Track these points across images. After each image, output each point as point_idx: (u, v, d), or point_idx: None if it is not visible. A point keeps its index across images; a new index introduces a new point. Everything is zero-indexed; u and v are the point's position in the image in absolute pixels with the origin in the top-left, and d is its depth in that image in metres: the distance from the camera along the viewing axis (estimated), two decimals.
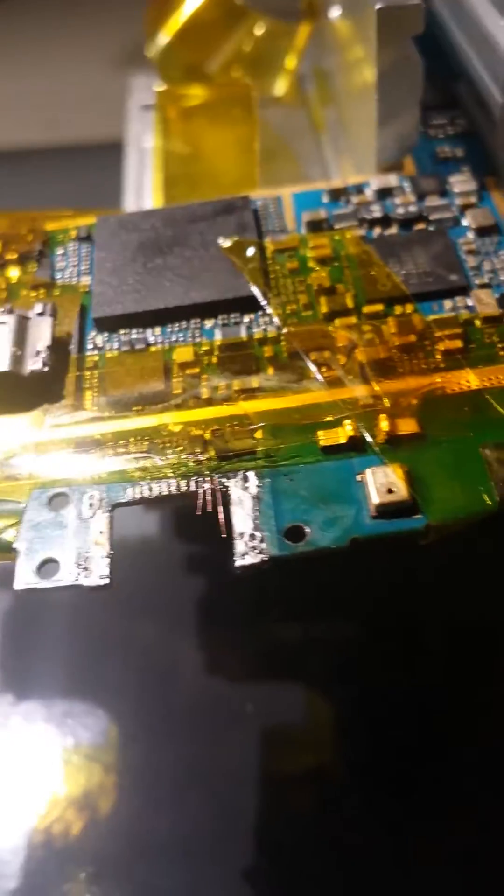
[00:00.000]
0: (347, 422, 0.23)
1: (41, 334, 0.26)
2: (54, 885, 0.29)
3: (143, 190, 0.40)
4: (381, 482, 0.21)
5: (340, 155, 0.38)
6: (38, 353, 0.25)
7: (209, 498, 0.22)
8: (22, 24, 0.69)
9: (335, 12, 0.35)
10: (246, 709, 0.32)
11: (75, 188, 0.54)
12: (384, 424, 0.22)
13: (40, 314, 0.26)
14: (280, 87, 0.41)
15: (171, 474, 0.23)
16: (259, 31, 0.40)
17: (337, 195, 0.29)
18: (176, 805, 0.31)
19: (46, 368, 0.25)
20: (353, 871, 0.29)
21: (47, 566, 0.22)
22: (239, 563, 0.21)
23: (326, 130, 0.40)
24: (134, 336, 0.27)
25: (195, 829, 0.30)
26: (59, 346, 0.26)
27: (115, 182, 0.45)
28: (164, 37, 0.41)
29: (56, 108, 0.62)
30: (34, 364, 0.25)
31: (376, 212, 0.29)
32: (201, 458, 0.23)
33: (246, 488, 0.22)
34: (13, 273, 0.29)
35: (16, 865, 0.30)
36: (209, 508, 0.22)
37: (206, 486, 0.22)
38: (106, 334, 0.27)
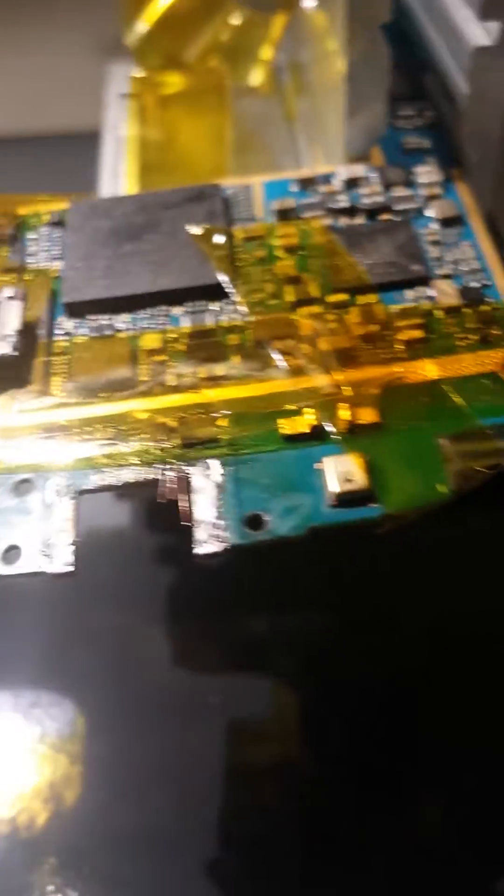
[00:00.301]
0: (308, 410, 0.23)
1: (10, 318, 0.26)
2: (19, 875, 0.29)
3: (119, 177, 0.40)
4: (340, 471, 0.22)
5: (312, 145, 0.38)
6: (6, 337, 0.25)
7: (172, 486, 0.22)
8: None
9: (309, 2, 0.35)
10: (210, 700, 0.32)
11: (50, 177, 0.53)
12: (344, 413, 0.23)
13: (10, 298, 0.26)
14: (255, 77, 0.41)
15: (137, 462, 0.23)
16: (236, 20, 0.40)
17: (305, 184, 0.30)
18: (141, 797, 0.31)
19: (16, 353, 0.25)
20: (319, 864, 0.29)
21: (10, 552, 0.22)
22: (199, 550, 0.21)
23: (299, 121, 0.40)
24: (103, 322, 0.26)
25: (161, 822, 0.30)
26: (28, 331, 0.26)
27: (91, 171, 0.45)
28: (142, 24, 0.40)
29: (30, 96, 0.61)
30: (3, 348, 0.25)
31: (343, 202, 0.29)
32: (166, 445, 0.23)
33: (208, 476, 0.22)
34: None
35: None
36: (172, 496, 0.22)
37: (170, 473, 0.23)
38: (75, 320, 0.27)
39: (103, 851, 0.30)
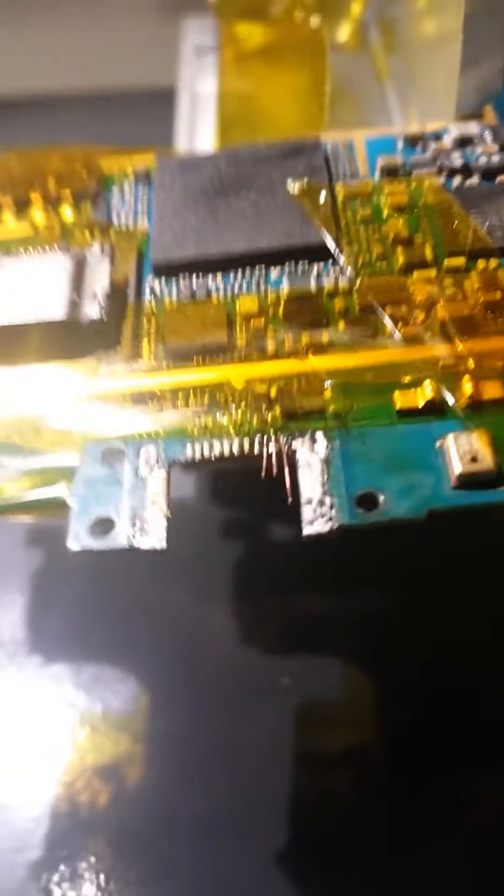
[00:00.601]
0: (427, 383, 0.21)
1: (98, 278, 0.24)
2: (78, 856, 0.28)
3: (196, 134, 0.39)
4: (465, 450, 0.20)
5: (406, 104, 0.36)
6: (95, 297, 0.23)
7: (275, 460, 0.21)
8: None
9: None
10: (282, 682, 0.31)
11: (117, 135, 0.52)
12: (467, 387, 0.21)
13: (98, 257, 0.24)
14: (343, 32, 0.40)
15: (233, 433, 0.21)
16: None
17: (413, 141, 0.28)
18: (204, 780, 0.30)
19: (104, 317, 0.23)
20: (385, 855, 0.28)
21: (101, 525, 0.20)
22: (307, 531, 0.20)
23: (391, 79, 0.38)
24: (194, 283, 0.25)
25: (224, 807, 0.29)
26: (115, 292, 0.24)
27: (158, 129, 0.43)
28: None
29: (96, 54, 0.60)
30: (91, 310, 0.23)
31: (456, 160, 0.27)
32: (266, 416, 0.21)
33: (314, 450, 0.21)
34: (67, 213, 0.27)
35: (39, 835, 0.29)
36: (274, 471, 0.20)
37: (272, 446, 0.21)
38: (164, 280, 0.25)
39: (164, 835, 0.29)
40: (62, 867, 0.28)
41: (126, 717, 0.31)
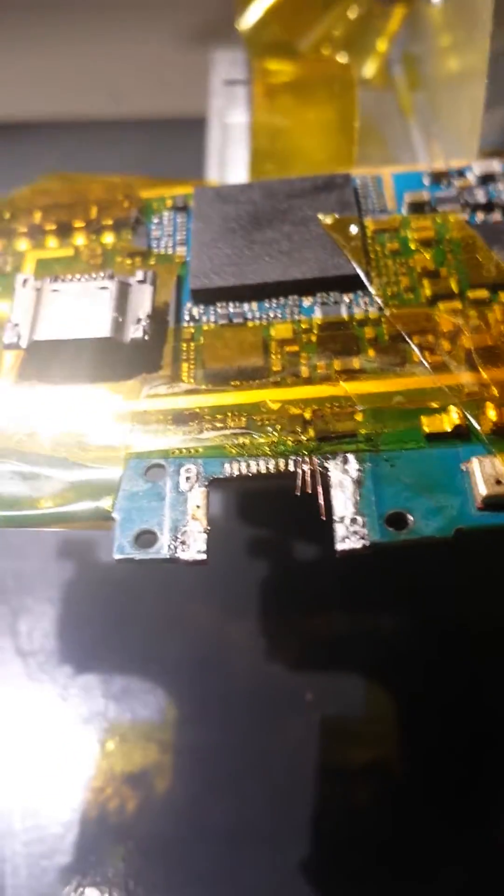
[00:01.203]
0: (453, 409, 0.22)
1: (141, 302, 0.25)
2: (106, 861, 0.29)
3: (227, 165, 0.40)
4: (489, 473, 0.21)
5: (430, 140, 0.37)
6: (138, 320, 0.25)
7: (308, 479, 0.22)
8: None
9: None
10: (307, 697, 0.32)
11: (145, 161, 0.53)
12: (492, 414, 0.22)
13: (141, 281, 0.26)
14: (370, 69, 0.41)
15: (269, 452, 0.22)
16: (353, 14, 0.40)
17: (438, 178, 0.29)
18: (231, 790, 0.31)
19: (146, 337, 0.25)
20: (406, 866, 0.29)
21: (144, 537, 0.21)
22: (340, 547, 0.21)
23: (415, 114, 0.39)
24: (231, 310, 0.26)
25: (250, 817, 0.30)
26: (157, 316, 0.26)
27: (186, 156, 0.45)
28: (257, 10, 0.40)
29: (125, 81, 0.61)
30: (135, 332, 0.25)
31: (480, 196, 0.28)
32: (301, 437, 0.22)
33: (346, 471, 0.22)
34: (108, 239, 0.29)
35: (69, 841, 0.30)
36: (308, 490, 0.22)
37: (306, 466, 0.22)
38: (202, 306, 0.26)
39: (191, 843, 0.30)
40: (91, 872, 0.29)
41: (154, 727, 0.32)
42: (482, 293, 0.25)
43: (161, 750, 0.32)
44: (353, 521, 0.21)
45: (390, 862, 0.29)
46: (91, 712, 0.32)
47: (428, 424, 0.22)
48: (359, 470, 0.22)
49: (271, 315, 0.26)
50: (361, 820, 0.30)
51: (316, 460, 0.22)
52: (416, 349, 0.24)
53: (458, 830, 0.29)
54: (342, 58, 0.40)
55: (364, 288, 0.26)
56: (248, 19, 0.41)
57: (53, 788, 0.31)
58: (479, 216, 0.28)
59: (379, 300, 0.25)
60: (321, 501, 0.21)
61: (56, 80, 0.59)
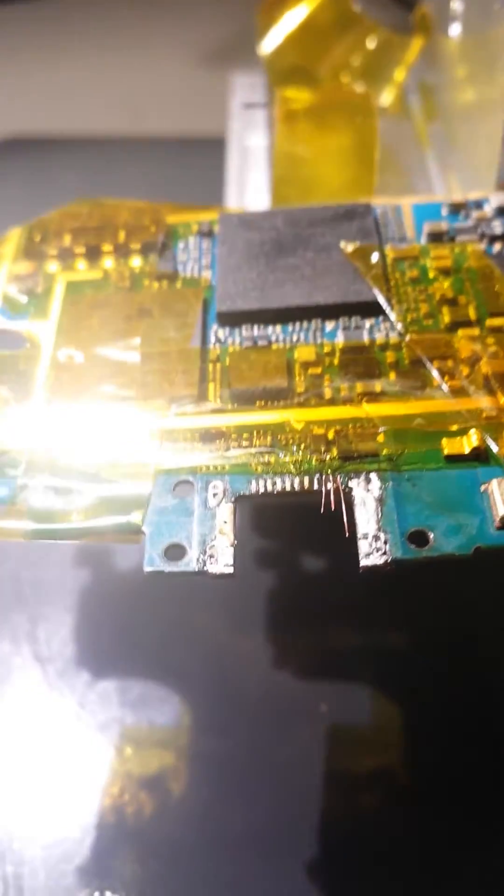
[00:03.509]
0: (472, 431, 0.23)
1: None
2: (124, 865, 0.30)
3: (245, 187, 0.41)
4: None
5: (446, 170, 0.38)
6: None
7: (332, 497, 0.23)
8: (114, 12, 0.70)
9: (454, 30, 0.35)
10: (321, 709, 0.33)
11: (165, 179, 0.55)
12: None
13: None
14: (387, 97, 0.42)
15: (294, 470, 0.23)
16: (372, 43, 0.41)
17: (457, 209, 0.30)
18: (246, 797, 0.31)
19: None
20: (415, 874, 0.29)
21: (173, 550, 0.22)
22: (364, 563, 0.22)
23: (432, 144, 0.40)
24: (256, 332, 0.27)
25: (262, 822, 0.31)
26: None
27: (204, 175, 0.46)
28: (277, 36, 0.41)
29: (147, 101, 0.62)
30: None
31: (497, 228, 0.29)
32: (324, 456, 0.23)
33: (369, 490, 0.23)
34: (136, 262, 0.30)
35: (87, 844, 0.30)
36: (332, 507, 0.23)
37: (329, 485, 0.23)
38: (228, 329, 0.27)
39: (206, 848, 0.30)
40: (109, 875, 0.29)
41: (170, 734, 0.33)
42: (500, 321, 0.26)
43: (177, 757, 0.32)
44: (376, 538, 0.22)
45: (399, 869, 0.30)
46: (108, 718, 0.33)
47: (448, 446, 0.23)
48: (381, 489, 0.23)
49: (295, 338, 0.27)
50: (370, 827, 0.31)
51: (339, 479, 0.23)
52: (435, 374, 0.25)
53: (466, 837, 0.30)
54: (360, 87, 0.41)
55: (384, 314, 0.27)
56: (269, 44, 0.43)
57: (72, 793, 0.31)
58: (497, 247, 0.29)
59: (399, 326, 0.26)
60: (345, 519, 0.22)
61: (80, 99, 0.61)
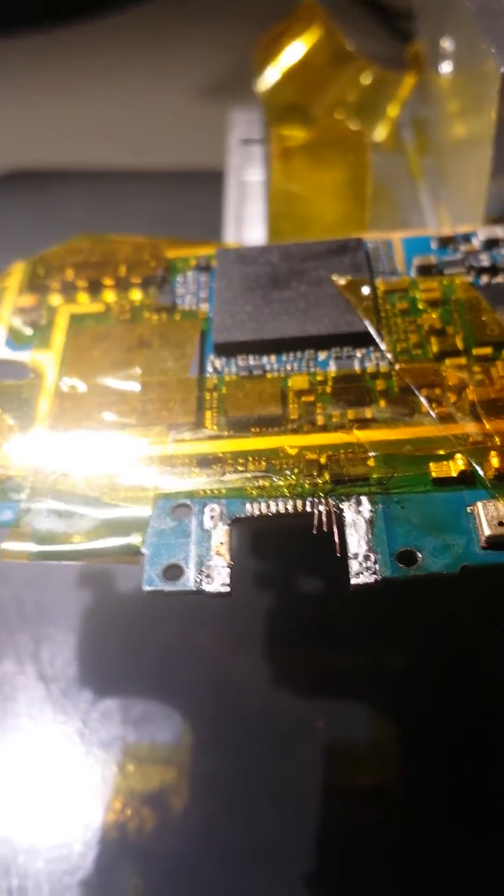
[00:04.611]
0: (459, 456, 0.24)
1: None
2: (126, 879, 0.30)
3: (243, 222, 0.42)
4: (493, 515, 0.23)
5: (438, 203, 0.39)
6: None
7: (324, 518, 0.24)
8: (115, 47, 0.72)
9: (445, 68, 0.37)
10: (318, 725, 0.33)
11: (165, 211, 0.56)
12: (495, 461, 0.24)
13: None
14: (381, 132, 0.43)
15: (288, 494, 0.24)
16: (366, 79, 0.42)
17: (445, 242, 0.31)
18: (245, 813, 0.32)
19: None
20: (414, 889, 0.30)
21: (171, 570, 0.23)
22: (354, 581, 0.23)
23: (424, 178, 0.41)
24: (251, 362, 0.28)
25: (261, 837, 0.31)
26: None
27: (203, 206, 0.47)
28: (273, 74, 0.42)
29: (147, 135, 0.64)
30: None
31: (484, 261, 0.30)
32: (317, 480, 0.24)
33: (359, 512, 0.24)
34: (136, 296, 0.31)
35: (91, 858, 0.31)
36: (324, 528, 0.24)
37: (322, 507, 0.24)
38: (224, 359, 0.28)
39: (206, 862, 0.31)
40: (111, 889, 0.30)
41: (171, 751, 0.33)
42: (486, 350, 0.27)
43: (178, 773, 0.33)
44: (367, 557, 0.23)
45: (397, 883, 0.30)
46: (111, 736, 0.34)
47: (436, 470, 0.24)
48: (371, 511, 0.24)
49: (289, 368, 0.28)
50: (369, 843, 0.31)
51: (331, 501, 0.24)
52: (424, 401, 0.26)
53: (464, 853, 0.31)
54: (354, 124, 0.42)
55: (375, 344, 0.28)
56: (266, 82, 0.44)
57: (75, 808, 0.32)
58: (484, 279, 0.30)
59: (389, 355, 0.27)
60: (336, 539, 0.23)
61: (83, 132, 0.62)
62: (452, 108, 0.37)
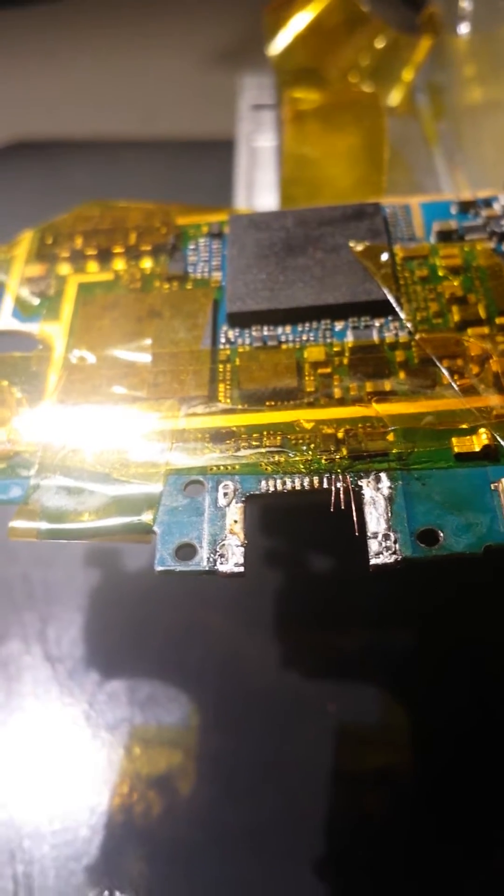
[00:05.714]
0: (482, 430, 0.23)
1: None
2: (132, 863, 0.30)
3: (254, 187, 0.41)
4: None
5: (454, 168, 0.38)
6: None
7: (342, 496, 0.23)
8: (122, 13, 0.70)
9: (463, 29, 0.35)
10: (329, 709, 0.33)
11: (174, 180, 0.55)
12: None
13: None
14: (395, 97, 0.42)
15: (303, 470, 0.23)
16: (380, 43, 0.41)
17: (466, 207, 0.30)
18: (252, 795, 0.31)
19: None
20: (420, 874, 0.29)
21: (184, 550, 0.22)
22: (373, 562, 0.22)
23: (439, 143, 0.40)
24: (266, 333, 0.27)
25: (268, 820, 0.31)
26: None
27: (213, 175, 0.46)
28: (285, 38, 0.41)
29: (156, 103, 0.63)
30: None
31: None
32: (334, 456, 0.23)
33: (378, 489, 0.23)
34: (147, 264, 0.30)
35: (97, 843, 0.30)
36: (342, 506, 0.23)
37: (339, 484, 0.23)
38: (237, 329, 0.27)
39: (212, 846, 0.31)
40: (117, 874, 0.30)
41: (178, 734, 0.33)
42: None
43: (185, 756, 0.32)
44: (386, 536, 0.22)
45: (406, 868, 0.30)
46: (117, 718, 0.33)
47: (458, 444, 0.23)
48: (390, 488, 0.23)
49: (304, 338, 0.27)
50: (377, 827, 0.31)
51: (349, 478, 0.23)
52: (445, 372, 0.25)
53: (472, 837, 0.30)
54: (368, 87, 0.41)
55: (394, 313, 0.27)
56: (277, 45, 0.43)
57: (81, 792, 0.31)
58: None
59: (409, 325, 0.26)
60: (354, 518, 0.22)
61: (91, 101, 0.61)
62: (470, 72, 0.36)
